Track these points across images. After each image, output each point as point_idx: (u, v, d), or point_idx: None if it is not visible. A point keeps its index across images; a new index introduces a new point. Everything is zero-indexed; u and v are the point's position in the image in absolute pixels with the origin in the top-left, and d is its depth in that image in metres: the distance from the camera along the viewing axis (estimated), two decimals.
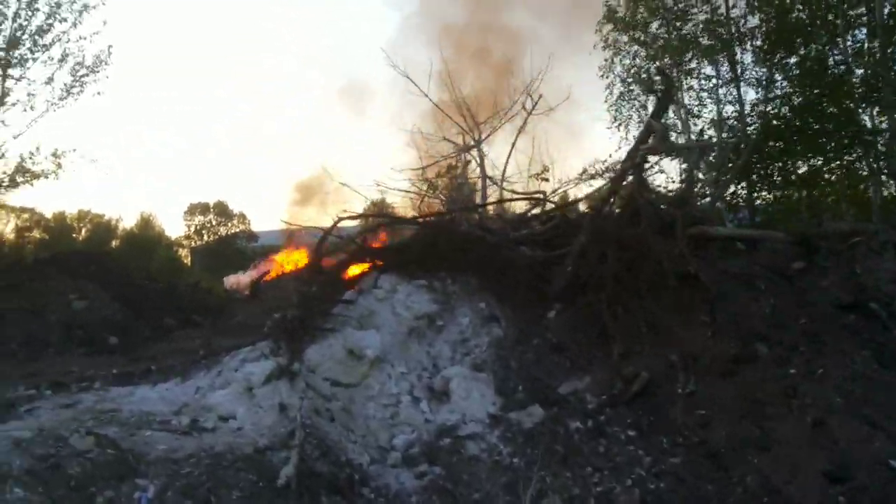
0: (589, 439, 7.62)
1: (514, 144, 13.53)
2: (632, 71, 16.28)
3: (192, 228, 65.60)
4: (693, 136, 15.44)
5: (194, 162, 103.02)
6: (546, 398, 8.18)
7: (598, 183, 15.89)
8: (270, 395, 7.80)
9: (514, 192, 12.44)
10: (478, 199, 13.24)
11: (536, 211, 11.19)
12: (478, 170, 14.06)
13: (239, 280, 36.32)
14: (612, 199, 8.72)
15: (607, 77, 16.71)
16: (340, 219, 10.15)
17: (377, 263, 9.71)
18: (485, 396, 8.05)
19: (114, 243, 53.46)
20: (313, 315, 8.89)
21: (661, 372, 8.31)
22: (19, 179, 17.34)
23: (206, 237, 64.90)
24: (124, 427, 7.39)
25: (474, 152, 13.71)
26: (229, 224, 65.23)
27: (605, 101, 16.97)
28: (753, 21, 14.47)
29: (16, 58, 16.87)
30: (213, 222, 65.49)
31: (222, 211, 65.36)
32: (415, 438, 7.67)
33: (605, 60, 16.69)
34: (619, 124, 16.84)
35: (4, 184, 17.11)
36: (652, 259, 8.66)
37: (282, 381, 7.94)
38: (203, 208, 65.23)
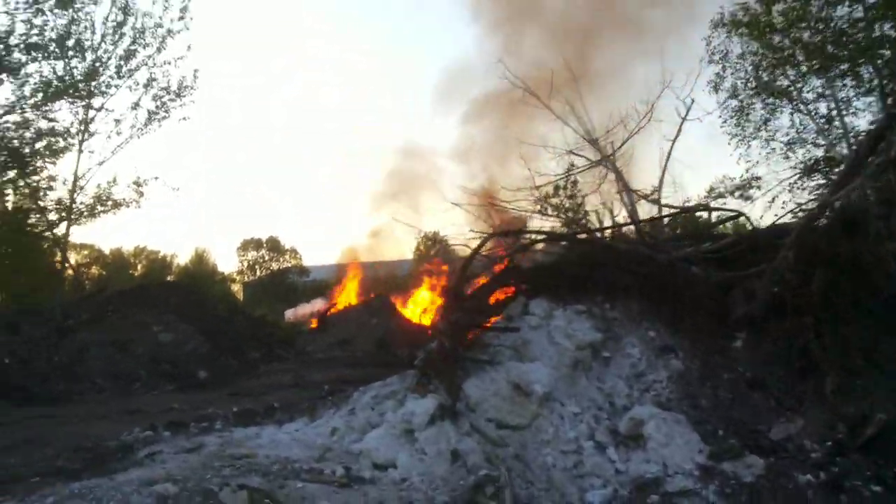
0: (826, 496, 6.15)
1: (670, 154, 11.84)
2: (750, 83, 14.93)
3: (245, 264, 65.14)
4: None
5: (250, 195, 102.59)
6: (757, 444, 6.74)
7: (730, 202, 14.55)
8: (435, 439, 6.50)
9: (670, 205, 10.93)
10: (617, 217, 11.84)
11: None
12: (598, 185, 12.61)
13: (302, 312, 35.37)
14: (829, 209, 7.33)
15: (716, 92, 15.32)
16: (489, 237, 8.87)
17: (523, 287, 8.41)
18: (689, 443, 6.63)
19: (169, 278, 53.21)
20: (465, 345, 7.60)
21: (891, 411, 6.82)
22: (100, 209, 16.49)
23: (258, 272, 64.41)
24: (269, 477, 6.16)
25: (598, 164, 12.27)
26: (281, 259, 64.65)
27: (720, 117, 15.55)
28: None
29: (98, 86, 16.15)
30: (266, 257, 65.01)
31: (274, 246, 64.94)
32: (610, 494, 6.30)
33: (716, 74, 15.36)
34: (741, 139, 15.45)
35: (84, 214, 16.22)
36: (864, 275, 7.23)
37: (446, 422, 6.63)
38: (256, 244, 64.86)
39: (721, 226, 10.41)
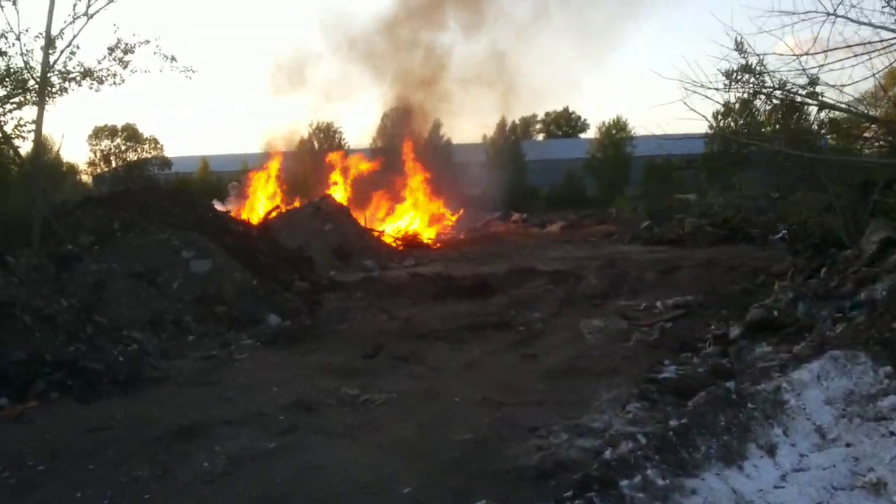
0: None
1: None
2: None
3: (98, 154, 55.70)
4: None
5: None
6: None
7: None
8: None
9: None
10: None
11: None
12: None
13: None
14: None
15: None
16: None
17: None
18: None
19: None
20: None
21: None
22: (59, 84, 10.86)
23: (113, 163, 55.47)
24: None
25: None
26: (139, 149, 55.73)
27: None
28: None
29: None
30: (122, 147, 55.73)
31: (132, 135, 55.75)
32: None
33: None
34: None
35: (53, 89, 10.60)
36: None
37: None
38: (111, 131, 55.42)
39: None
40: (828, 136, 11.78)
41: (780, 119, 12.30)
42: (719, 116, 40.78)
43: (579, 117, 58.70)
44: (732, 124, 41.03)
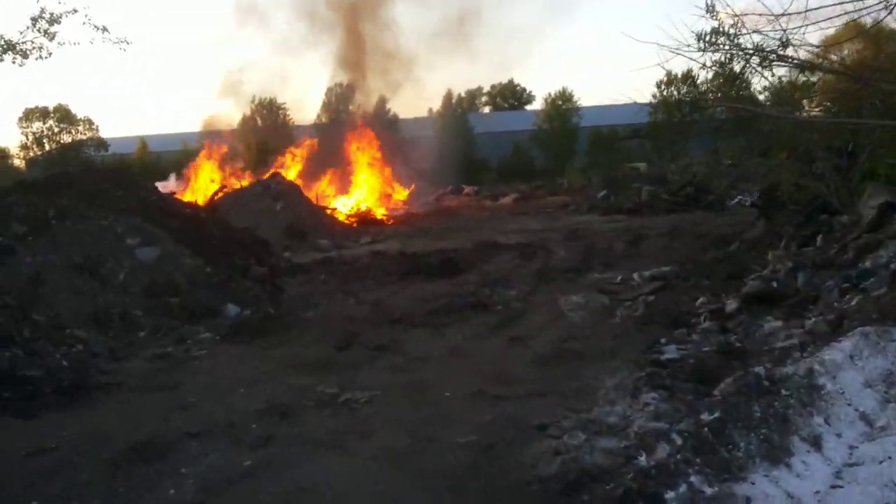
0: None
1: None
2: None
3: (30, 137, 52.81)
4: None
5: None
6: None
7: None
8: None
9: None
10: None
11: None
12: None
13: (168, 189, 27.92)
14: None
15: None
16: None
17: None
18: None
19: None
20: None
21: None
22: None
23: (47, 146, 52.74)
24: None
25: None
26: (73, 131, 53.00)
27: None
28: None
29: None
30: (55, 129, 52.92)
31: (65, 115, 52.91)
32: None
33: None
34: None
35: None
36: None
37: None
38: (42, 113, 52.55)
39: None
40: (770, 101, 11.46)
41: (721, 87, 11.92)
42: (662, 86, 40.55)
43: (524, 89, 58.22)
44: (676, 93, 40.74)
